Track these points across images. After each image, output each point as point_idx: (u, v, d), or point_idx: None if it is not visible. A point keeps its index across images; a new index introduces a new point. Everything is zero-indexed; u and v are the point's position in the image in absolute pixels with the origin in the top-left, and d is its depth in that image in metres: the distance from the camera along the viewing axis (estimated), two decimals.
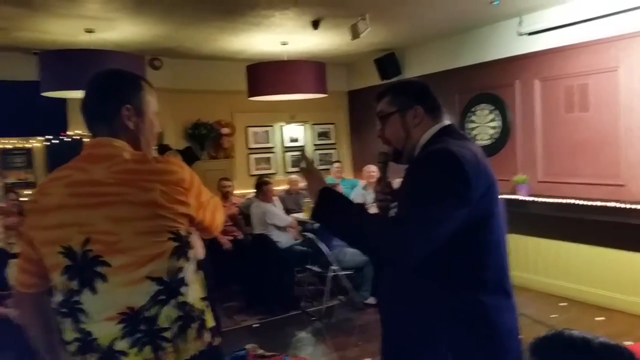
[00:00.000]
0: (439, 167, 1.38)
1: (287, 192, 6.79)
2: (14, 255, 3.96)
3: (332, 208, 1.46)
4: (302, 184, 6.43)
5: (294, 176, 6.92)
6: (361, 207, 1.53)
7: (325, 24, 5.05)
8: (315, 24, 5.00)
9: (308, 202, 6.14)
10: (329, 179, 6.95)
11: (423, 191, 1.36)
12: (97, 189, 1.30)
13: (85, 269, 1.29)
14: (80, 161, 1.37)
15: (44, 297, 1.45)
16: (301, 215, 6.00)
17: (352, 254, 4.91)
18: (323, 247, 4.74)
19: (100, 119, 1.39)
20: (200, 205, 1.40)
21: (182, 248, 1.35)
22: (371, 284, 4.95)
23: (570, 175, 4.84)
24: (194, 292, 1.38)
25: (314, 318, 4.70)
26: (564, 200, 4.74)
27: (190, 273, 1.38)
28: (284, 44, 5.79)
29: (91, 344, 1.30)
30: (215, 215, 1.49)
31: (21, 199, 5.20)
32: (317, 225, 5.61)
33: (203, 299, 1.43)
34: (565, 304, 4.75)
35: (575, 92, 4.80)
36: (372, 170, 6.28)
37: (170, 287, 1.32)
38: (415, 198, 1.37)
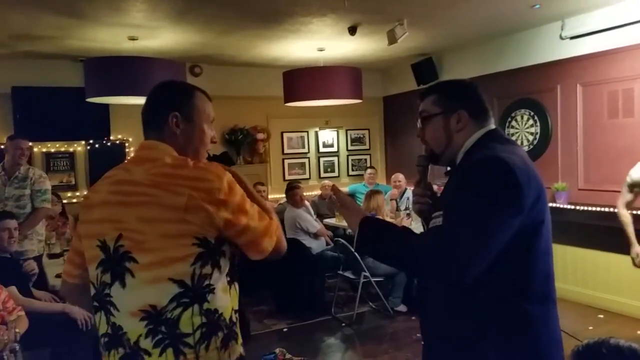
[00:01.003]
0: (490, 176, 1.32)
1: (320, 197, 6.80)
2: (54, 256, 4.14)
3: (374, 238, 1.44)
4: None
5: (327, 181, 6.93)
6: (406, 230, 1.48)
7: (362, 30, 5.05)
8: (353, 30, 5.00)
9: None
10: (363, 186, 6.94)
11: (476, 202, 1.30)
12: (133, 189, 1.35)
13: (116, 263, 1.33)
14: (128, 162, 1.45)
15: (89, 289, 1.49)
16: (334, 221, 6.00)
17: None
18: (355, 253, 4.72)
19: (151, 125, 1.46)
20: (236, 221, 1.34)
21: (209, 255, 1.33)
22: (403, 291, 4.89)
23: (612, 183, 4.63)
24: (224, 301, 1.36)
25: (344, 324, 4.68)
26: (605, 209, 4.53)
27: (222, 282, 1.37)
28: (320, 50, 5.82)
29: (121, 339, 1.32)
30: (263, 240, 1.40)
31: (65, 201, 5.42)
32: (349, 231, 5.60)
33: (236, 311, 1.41)
34: (602, 316, 4.58)
35: (620, 97, 4.62)
36: (400, 179, 6.23)
37: (195, 292, 1.31)
38: (467, 210, 1.30)
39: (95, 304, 1.39)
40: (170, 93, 1.49)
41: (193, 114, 1.46)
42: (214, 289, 1.33)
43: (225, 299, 1.37)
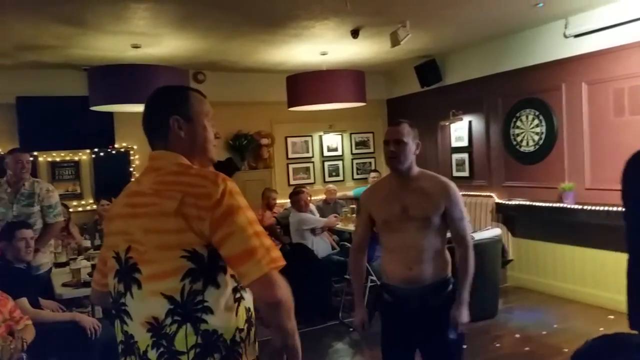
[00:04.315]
0: None
1: (325, 201, 6.77)
2: (60, 265, 4.15)
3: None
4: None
5: (331, 186, 6.91)
6: None
7: (365, 33, 5.04)
8: (355, 33, 4.99)
9: (346, 211, 6.11)
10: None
11: None
12: (139, 200, 1.37)
13: (126, 274, 1.36)
14: (140, 174, 1.47)
15: None
16: (339, 225, 5.97)
17: None
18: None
19: (154, 133, 1.46)
20: (221, 224, 1.25)
21: (201, 271, 1.28)
22: None
23: (619, 182, 4.59)
24: (226, 321, 1.32)
25: (351, 329, 4.65)
26: (613, 208, 4.45)
27: (224, 299, 1.32)
28: (323, 54, 5.81)
29: (132, 347, 1.35)
30: (250, 259, 1.26)
31: (70, 210, 5.42)
32: None
33: (240, 330, 1.35)
34: (613, 317, 4.48)
35: (626, 94, 4.58)
36: None
37: (185, 309, 1.28)
38: None
39: (113, 312, 1.43)
40: (166, 99, 1.49)
41: (191, 113, 1.46)
42: (209, 307, 1.29)
43: (229, 317, 1.32)
